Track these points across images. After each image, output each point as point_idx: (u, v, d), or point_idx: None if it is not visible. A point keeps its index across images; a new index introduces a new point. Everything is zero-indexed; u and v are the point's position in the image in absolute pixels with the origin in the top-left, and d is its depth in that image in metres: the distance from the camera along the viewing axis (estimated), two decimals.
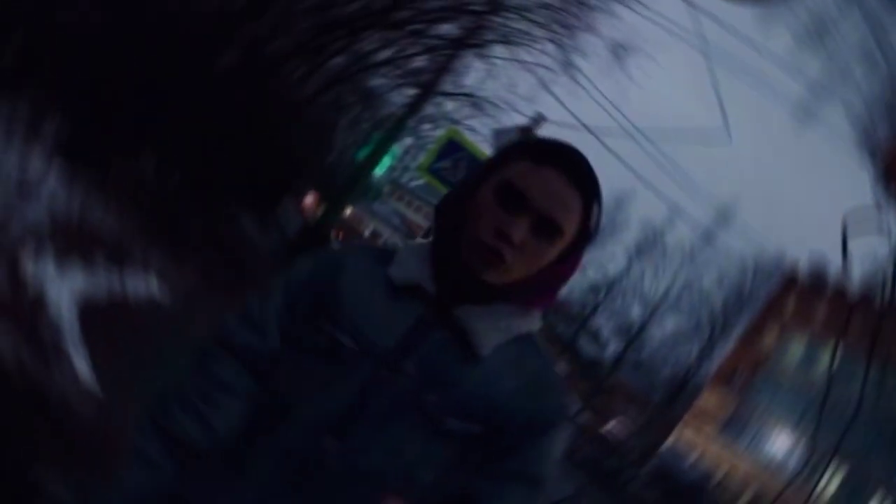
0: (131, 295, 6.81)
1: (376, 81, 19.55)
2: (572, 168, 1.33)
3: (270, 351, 1.40)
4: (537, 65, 12.67)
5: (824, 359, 51.65)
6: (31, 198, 6.58)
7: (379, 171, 21.15)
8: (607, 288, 46.19)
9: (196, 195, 11.73)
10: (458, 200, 1.39)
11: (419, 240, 1.51)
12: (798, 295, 56.66)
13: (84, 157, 8.99)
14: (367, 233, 74.80)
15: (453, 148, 12.72)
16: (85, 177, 8.55)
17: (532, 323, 1.41)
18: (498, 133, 12.65)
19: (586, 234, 1.37)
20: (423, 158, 14.21)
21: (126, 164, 10.73)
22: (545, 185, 1.31)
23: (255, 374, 1.40)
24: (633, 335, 44.18)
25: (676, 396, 42.82)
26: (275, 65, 14.28)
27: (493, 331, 1.35)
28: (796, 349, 55.17)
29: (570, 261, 1.38)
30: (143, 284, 7.34)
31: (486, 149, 13.40)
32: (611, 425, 49.43)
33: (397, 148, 21.16)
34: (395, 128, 16.06)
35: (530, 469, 1.36)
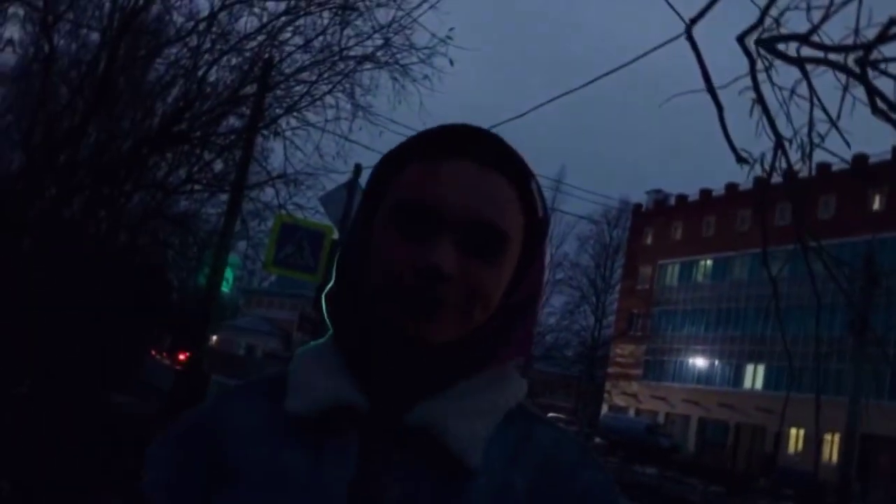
0: None
1: (184, 203, 18.82)
2: (481, 148, 0.94)
3: None
4: (331, 120, 12.37)
5: (700, 271, 54.17)
6: None
7: (225, 288, 20.36)
8: None
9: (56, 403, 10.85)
10: (351, 261, 0.97)
11: (304, 347, 1.04)
12: (650, 223, 59.22)
13: None
14: (241, 351, 72.70)
15: (289, 232, 12.33)
16: None
17: (517, 387, 0.99)
18: (325, 199, 12.30)
19: (538, 225, 0.97)
20: (265, 255, 13.76)
21: None
22: (455, 182, 0.91)
23: None
24: None
25: (593, 364, 43.51)
26: (76, 231, 13.49)
27: (475, 422, 0.92)
28: (672, 271, 57.60)
29: (532, 269, 0.97)
30: None
31: (321, 220, 13.13)
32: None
33: (234, 257, 20.38)
34: (223, 239, 15.43)
35: None
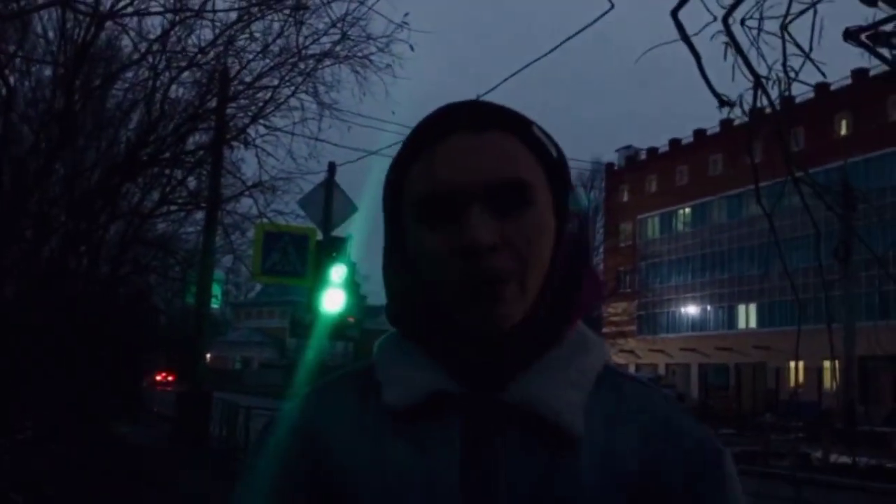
0: None
1: (161, 226, 18.71)
2: (473, 116, 0.93)
3: None
4: (298, 122, 12.31)
5: (680, 220, 54.49)
6: None
7: (215, 304, 20.30)
8: None
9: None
10: (394, 267, 0.98)
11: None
12: (624, 180, 59.44)
13: None
14: (237, 365, 72.51)
15: (272, 240, 12.31)
16: None
17: (599, 349, 0.98)
18: (304, 201, 12.26)
19: (555, 166, 0.95)
20: (252, 266, 13.72)
21: None
22: (458, 155, 0.91)
23: None
24: None
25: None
26: (57, 270, 13.38)
27: (570, 391, 0.91)
28: (652, 224, 57.91)
29: (569, 210, 0.95)
30: None
31: (303, 223, 13.09)
32: None
33: (219, 273, 20.30)
34: (205, 256, 15.36)
35: None
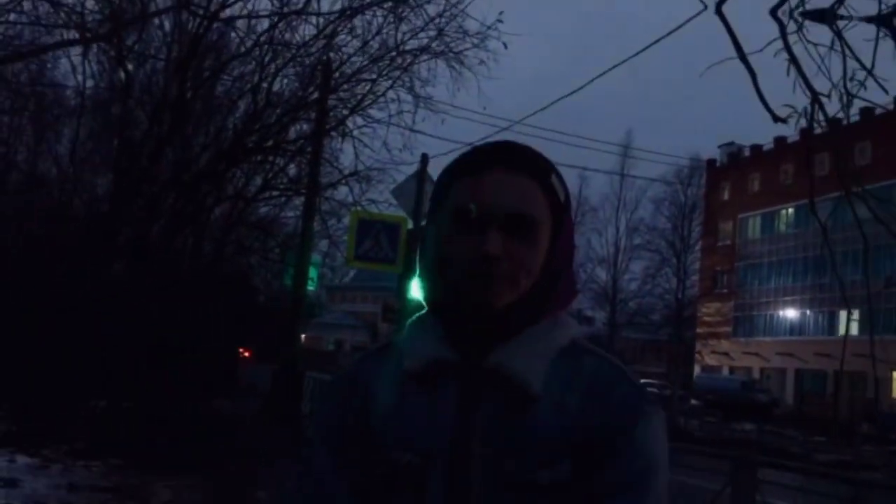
0: None
1: (262, 209, 19.47)
2: (509, 158, 1.28)
3: (339, 496, 1.30)
4: (395, 114, 12.75)
5: (782, 220, 52.94)
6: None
7: (311, 286, 21.00)
8: None
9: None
10: (428, 253, 1.34)
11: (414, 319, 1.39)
12: (726, 178, 58.06)
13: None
14: (330, 346, 74.21)
15: (366, 227, 12.75)
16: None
17: (568, 328, 1.31)
18: (397, 191, 12.68)
19: (560, 207, 1.30)
20: (345, 251, 14.24)
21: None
22: (492, 188, 1.25)
23: None
24: (612, 296, 44.39)
25: (680, 326, 43.04)
26: (164, 249, 14.18)
27: (534, 359, 1.24)
28: (753, 224, 56.43)
29: (562, 239, 1.30)
30: None
31: (395, 212, 13.53)
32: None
33: (316, 256, 20.99)
34: (304, 240, 15.97)
35: (635, 482, 1.21)
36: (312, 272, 19.83)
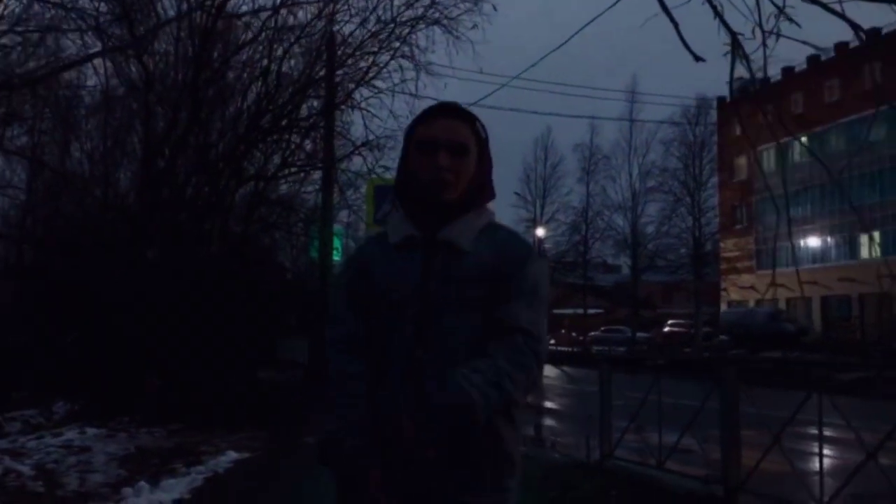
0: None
1: (283, 186, 20.16)
2: (449, 110, 2.12)
3: (359, 331, 2.10)
4: (398, 83, 13.40)
5: (797, 150, 52.89)
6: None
7: (336, 256, 21.75)
8: (585, 220, 47.00)
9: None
10: (401, 174, 2.16)
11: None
12: (737, 113, 57.90)
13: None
14: None
15: (383, 193, 13.44)
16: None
17: (488, 216, 2.14)
18: None
19: (481, 140, 2.12)
20: (366, 217, 14.94)
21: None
22: (440, 128, 2.06)
23: (360, 355, 2.08)
24: (632, 242, 44.86)
25: (702, 265, 43.49)
26: (197, 232, 14.93)
27: (466, 231, 2.05)
28: (767, 157, 56.38)
29: (484, 161, 2.13)
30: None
31: None
32: (671, 326, 50.02)
33: (339, 227, 21.74)
34: (325, 212, 16.65)
35: (524, 325, 1.96)
36: (336, 242, 20.57)
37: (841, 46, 40.82)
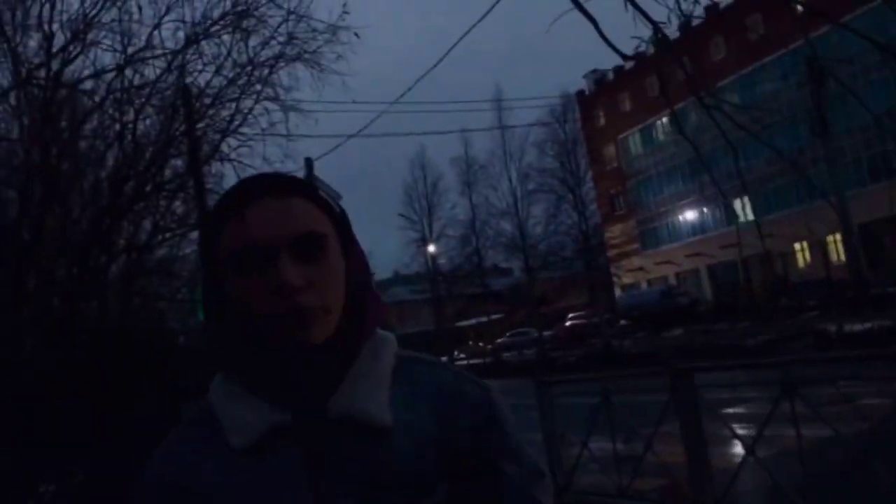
0: None
1: (160, 251, 19.01)
2: (271, 185, 1.16)
3: None
4: (266, 128, 12.67)
5: (659, 131, 54.67)
6: None
7: None
8: (473, 230, 47.08)
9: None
10: (215, 315, 1.19)
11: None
12: (598, 105, 59.49)
13: None
14: None
15: None
16: None
17: (390, 345, 1.23)
18: None
19: (339, 217, 1.21)
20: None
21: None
22: (265, 217, 1.12)
23: None
24: (522, 243, 45.10)
25: (591, 256, 44.15)
26: (70, 314, 13.78)
27: (375, 392, 1.15)
28: (633, 142, 58.08)
29: (353, 250, 1.22)
30: None
31: None
32: (572, 320, 50.68)
33: None
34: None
35: (516, 448, 1.21)
36: None
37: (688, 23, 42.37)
